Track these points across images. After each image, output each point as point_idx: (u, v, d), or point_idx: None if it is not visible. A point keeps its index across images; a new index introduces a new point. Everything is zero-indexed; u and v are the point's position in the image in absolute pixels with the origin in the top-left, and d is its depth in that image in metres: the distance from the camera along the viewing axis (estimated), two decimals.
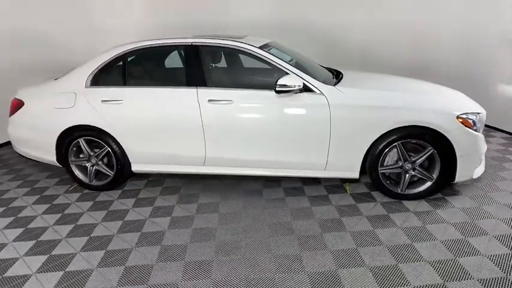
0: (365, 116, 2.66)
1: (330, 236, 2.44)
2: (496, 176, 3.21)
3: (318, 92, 2.73)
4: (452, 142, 2.60)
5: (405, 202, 2.83)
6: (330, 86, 2.76)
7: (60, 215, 2.91)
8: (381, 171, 2.80)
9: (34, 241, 2.55)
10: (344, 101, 2.69)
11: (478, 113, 2.74)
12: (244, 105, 2.82)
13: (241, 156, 2.94)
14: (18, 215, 2.93)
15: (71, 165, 3.26)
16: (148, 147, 3.05)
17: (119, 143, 3.08)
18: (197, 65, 2.94)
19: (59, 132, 3.12)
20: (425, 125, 2.59)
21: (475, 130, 2.66)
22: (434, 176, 2.74)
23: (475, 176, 2.77)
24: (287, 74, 2.76)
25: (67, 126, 3.09)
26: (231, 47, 2.92)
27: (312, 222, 2.63)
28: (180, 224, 2.68)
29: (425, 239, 2.36)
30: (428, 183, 2.78)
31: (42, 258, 2.35)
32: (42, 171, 3.81)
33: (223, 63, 3.34)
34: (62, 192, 3.32)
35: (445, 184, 2.83)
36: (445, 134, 2.59)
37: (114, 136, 3.05)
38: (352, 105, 2.68)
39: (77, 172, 3.29)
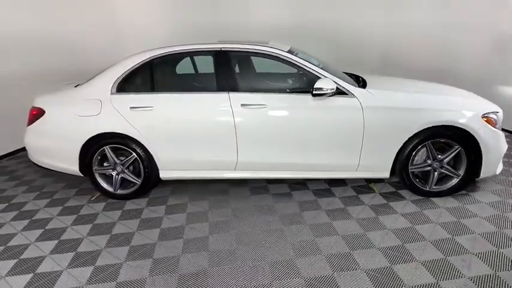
0: (397, 117, 2.77)
1: (374, 235, 2.51)
2: (508, 172, 3.40)
3: (351, 94, 2.82)
4: (478, 140, 2.75)
5: (433, 199, 2.95)
6: (361, 89, 2.85)
7: (91, 225, 2.83)
8: (411, 170, 2.91)
9: (73, 253, 2.46)
10: (376, 103, 2.79)
11: (497, 112, 2.91)
12: (277, 109, 2.87)
13: (273, 160, 2.98)
14: (47, 227, 2.82)
15: (95, 174, 3.18)
16: (178, 154, 3.03)
17: (147, 150, 3.04)
18: (228, 70, 2.96)
19: (84, 141, 3.04)
20: (455, 125, 2.72)
21: (497, 128, 2.83)
22: (461, 173, 2.88)
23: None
24: (319, 78, 2.83)
25: (93, 134, 3.01)
26: (261, 52, 2.97)
27: (351, 222, 2.69)
28: (219, 229, 2.67)
29: (463, 232, 2.47)
30: (455, 180, 2.92)
31: (88, 270, 2.28)
32: (56, 182, 3.68)
33: (252, 68, 3.37)
34: (85, 202, 3.23)
35: (469, 181, 2.98)
36: (472, 133, 2.74)
37: (143, 143, 3.01)
38: (384, 107, 2.78)
39: (100, 181, 3.21)
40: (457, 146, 2.81)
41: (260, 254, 2.35)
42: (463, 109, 2.79)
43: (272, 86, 3.26)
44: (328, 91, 2.73)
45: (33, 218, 2.98)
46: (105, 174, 3.22)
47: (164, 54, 3.05)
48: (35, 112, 3.17)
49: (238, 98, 2.89)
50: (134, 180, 3.17)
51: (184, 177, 3.16)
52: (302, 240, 2.48)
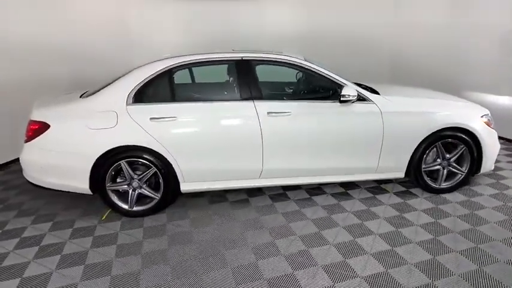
0: (412, 121, 3.01)
1: (406, 231, 2.66)
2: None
3: (369, 100, 2.99)
4: (480, 140, 3.08)
5: (443, 195, 3.22)
6: (379, 96, 3.04)
7: (115, 245, 2.62)
8: (424, 169, 3.15)
9: (107, 277, 2.26)
10: (393, 108, 3.00)
11: (488, 114, 3.28)
12: (302, 116, 2.94)
13: (298, 166, 3.03)
14: (63, 252, 2.55)
15: (108, 191, 2.96)
16: (202, 164, 2.95)
17: (168, 163, 2.91)
18: (252, 79, 2.98)
19: (97, 156, 2.82)
20: (463, 127, 3.03)
21: (492, 128, 3.19)
22: (464, 170, 3.19)
23: (492, 168, 3.29)
24: (340, 85, 2.97)
25: (108, 149, 2.81)
26: (283, 61, 3.03)
27: (380, 221, 2.83)
28: (257, 238, 2.64)
29: (482, 223, 2.74)
30: (459, 177, 3.22)
31: None
32: (51, 204, 3.33)
33: (270, 77, 3.40)
34: (96, 222, 2.97)
35: (470, 176, 3.30)
36: (475, 133, 3.06)
37: (164, 155, 2.88)
38: (401, 112, 3.00)
39: (114, 198, 2.99)
40: (462, 146, 3.11)
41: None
42: (467, 112, 3.12)
43: (292, 94, 3.34)
44: (352, 98, 2.88)
45: (42, 244, 2.67)
46: (118, 190, 3.00)
47: (185, 63, 2.97)
48: (36, 126, 2.87)
49: (264, 106, 2.91)
50: (153, 195, 3.00)
51: (206, 189, 3.07)
52: (342, 242, 2.55)
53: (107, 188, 2.94)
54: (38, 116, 2.91)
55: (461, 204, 3.04)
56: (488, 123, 3.14)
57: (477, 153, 3.14)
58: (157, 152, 2.87)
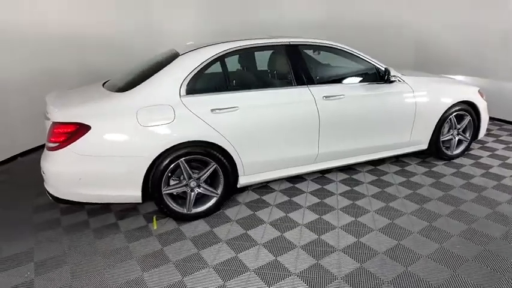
0: (435, 98, 3.39)
1: (457, 192, 3.02)
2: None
3: (403, 81, 3.26)
4: (480, 110, 3.64)
5: (454, 161, 3.71)
6: (408, 76, 3.33)
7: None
8: (442, 139, 3.59)
9: None
10: (420, 87, 3.33)
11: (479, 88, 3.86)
12: (354, 98, 3.06)
13: (349, 147, 3.15)
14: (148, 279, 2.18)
15: (164, 196, 2.62)
16: (263, 155, 2.83)
17: (230, 156, 2.72)
18: (302, 64, 2.96)
19: (154, 156, 2.48)
20: (470, 100, 3.53)
21: (484, 100, 3.79)
22: (468, 137, 3.74)
23: (484, 134, 3.92)
24: (378, 68, 3.17)
25: (168, 147, 2.49)
26: (327, 45, 3.08)
27: (402, 200, 3.14)
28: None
29: (495, 178, 3.26)
30: (465, 144, 3.76)
31: None
32: (72, 214, 2.79)
33: (313, 61, 3.37)
34: (149, 234, 2.60)
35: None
36: (477, 105, 3.60)
37: (226, 148, 2.67)
38: (426, 90, 3.35)
39: (171, 203, 2.66)
40: (468, 117, 3.63)
41: None
42: (469, 88, 3.65)
43: (339, 77, 3.39)
44: (397, 79, 3.12)
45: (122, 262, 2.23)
46: (171, 194, 2.68)
47: (236, 49, 2.79)
48: (69, 129, 2.36)
49: (319, 90, 2.93)
50: (213, 194, 2.76)
51: (265, 180, 2.97)
52: (383, 228, 2.77)
53: (163, 192, 2.60)
54: (69, 116, 2.40)
55: (475, 166, 3.56)
56: (482, 95, 3.72)
57: (476, 122, 3.70)
58: (219, 146, 2.65)
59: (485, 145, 4.16)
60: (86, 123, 2.36)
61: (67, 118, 2.39)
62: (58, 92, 2.89)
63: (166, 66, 2.67)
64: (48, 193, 2.52)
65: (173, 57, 2.78)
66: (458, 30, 5.31)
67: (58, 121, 2.39)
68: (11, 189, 3.41)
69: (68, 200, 2.51)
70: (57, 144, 2.37)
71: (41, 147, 4.39)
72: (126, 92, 2.56)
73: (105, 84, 3.01)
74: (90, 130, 2.36)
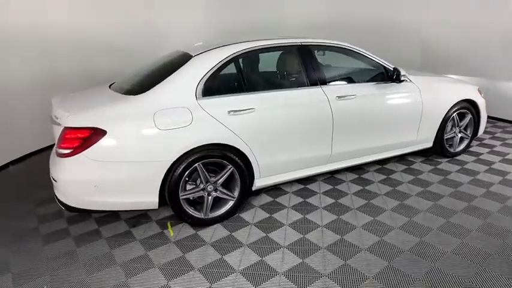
0: (441, 97, 3.47)
1: (469, 187, 3.08)
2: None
3: (410, 81, 3.32)
4: (480, 108, 3.75)
5: (456, 158, 3.80)
6: (414, 76, 3.39)
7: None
8: (446, 137, 3.66)
9: None
10: (427, 86, 3.39)
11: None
12: (365, 98, 3.08)
13: (360, 147, 3.17)
14: None
15: (181, 201, 2.54)
16: (279, 156, 2.81)
17: (246, 159, 2.68)
18: (314, 64, 2.96)
19: (173, 160, 2.41)
20: (471, 98, 3.63)
21: (483, 97, 3.90)
22: (469, 134, 3.84)
23: (483, 131, 4.04)
24: (386, 67, 3.21)
25: (186, 150, 2.43)
26: (337, 46, 3.10)
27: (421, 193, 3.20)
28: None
29: (499, 174, 3.36)
30: (466, 141, 3.86)
31: None
32: (81, 223, 2.67)
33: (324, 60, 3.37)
34: (167, 240, 2.52)
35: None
36: (477, 103, 3.71)
37: (243, 150, 2.63)
38: (432, 89, 3.42)
39: (188, 208, 2.59)
40: (469, 115, 3.72)
41: None
42: (470, 86, 3.75)
43: (349, 77, 3.41)
44: (407, 78, 3.17)
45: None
46: (187, 199, 2.61)
47: (249, 49, 2.76)
48: (84, 134, 2.26)
49: (331, 90, 2.94)
50: (229, 197, 2.71)
51: (280, 182, 2.94)
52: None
53: (181, 197, 2.53)
54: (82, 120, 2.30)
55: (478, 162, 3.66)
56: (481, 92, 3.83)
57: (476, 119, 3.81)
58: (236, 148, 2.61)
59: (483, 142, 4.29)
60: (102, 127, 2.27)
61: (81, 123, 2.28)
62: (64, 95, 2.78)
63: (179, 67, 2.61)
64: (60, 202, 2.40)
65: (184, 58, 2.73)
66: (458, 30, 5.38)
67: (71, 126, 2.28)
68: (5, 198, 3.24)
69: (80, 209, 2.40)
70: (70, 151, 2.26)
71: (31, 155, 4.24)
72: (141, 94, 2.48)
73: (112, 86, 2.92)
74: (106, 135, 2.26)
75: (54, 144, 2.47)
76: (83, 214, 2.84)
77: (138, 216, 2.84)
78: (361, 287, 1.98)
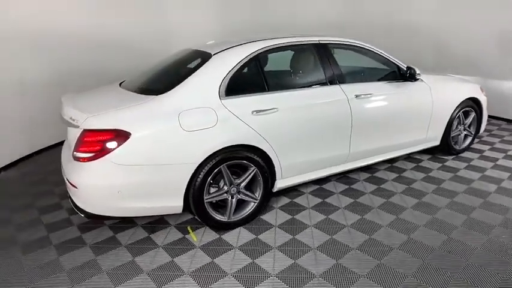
0: (448, 95, 3.54)
1: (481, 184, 3.15)
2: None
3: (421, 79, 3.36)
4: (482, 106, 3.85)
5: (461, 155, 3.89)
6: (425, 75, 3.44)
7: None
8: (452, 135, 3.74)
9: None
10: (436, 85, 3.45)
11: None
12: (381, 96, 3.10)
13: (376, 145, 3.18)
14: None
15: (206, 204, 2.46)
16: (301, 156, 2.78)
17: (270, 160, 2.62)
18: (333, 62, 2.95)
19: (199, 163, 2.32)
20: (475, 96, 3.72)
21: (485, 95, 4.01)
22: (473, 132, 3.94)
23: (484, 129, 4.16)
24: (399, 67, 3.24)
25: (213, 151, 2.35)
26: (353, 44, 3.10)
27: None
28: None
29: (506, 170, 3.46)
30: (469, 139, 3.96)
31: None
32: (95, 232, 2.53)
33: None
34: (191, 246, 2.43)
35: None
36: (481, 101, 3.81)
37: (266, 151, 2.58)
38: (441, 88, 3.49)
39: (211, 211, 2.50)
40: (473, 112, 3.82)
41: None
42: (473, 85, 3.85)
43: (364, 76, 3.41)
44: (420, 77, 3.21)
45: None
46: (211, 202, 2.52)
47: (269, 48, 2.71)
48: (106, 137, 2.14)
49: (350, 89, 2.93)
50: (252, 199, 2.65)
51: (300, 182, 2.90)
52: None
53: (205, 200, 2.44)
54: (103, 122, 2.18)
55: (483, 159, 3.76)
56: (483, 91, 3.94)
57: (478, 117, 3.92)
58: (260, 149, 2.55)
59: (482, 139, 4.42)
60: (126, 129, 2.15)
61: (102, 124, 2.16)
62: (75, 94, 2.64)
63: (199, 66, 2.53)
64: (79, 209, 2.26)
65: (201, 56, 2.66)
66: (458, 29, 5.44)
67: (91, 128, 2.15)
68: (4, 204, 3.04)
69: (100, 215, 2.27)
70: (91, 155, 2.13)
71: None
72: (163, 94, 2.37)
73: (122, 84, 2.81)
74: (131, 137, 2.15)
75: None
76: (97, 221, 2.70)
77: (155, 222, 2.73)
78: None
